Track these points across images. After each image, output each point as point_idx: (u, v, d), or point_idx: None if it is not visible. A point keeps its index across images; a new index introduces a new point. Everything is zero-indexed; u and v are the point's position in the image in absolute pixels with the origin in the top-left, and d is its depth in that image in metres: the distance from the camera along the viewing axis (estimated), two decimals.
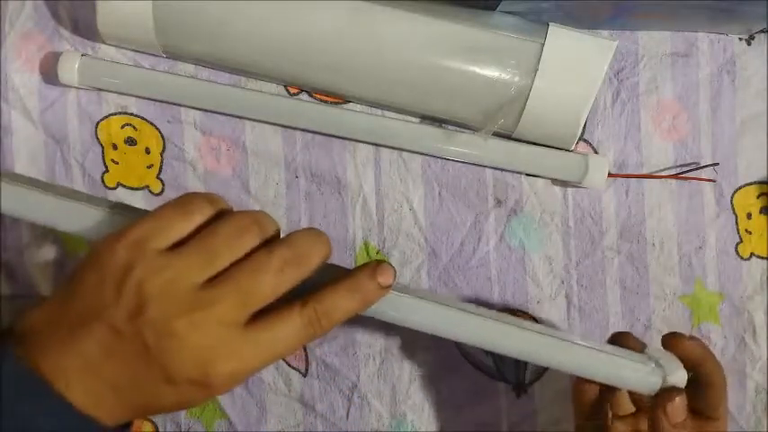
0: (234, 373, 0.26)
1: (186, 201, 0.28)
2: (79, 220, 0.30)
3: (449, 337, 0.30)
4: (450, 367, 0.42)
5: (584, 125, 0.40)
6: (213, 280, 0.26)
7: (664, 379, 0.31)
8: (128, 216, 0.30)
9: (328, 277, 0.29)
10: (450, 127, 0.40)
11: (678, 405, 0.30)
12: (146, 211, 0.31)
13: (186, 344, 0.25)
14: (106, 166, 0.41)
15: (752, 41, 0.41)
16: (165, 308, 0.25)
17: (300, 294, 0.28)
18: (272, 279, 0.27)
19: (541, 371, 0.42)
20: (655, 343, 0.42)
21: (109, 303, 0.25)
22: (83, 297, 0.26)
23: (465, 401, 0.42)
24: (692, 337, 0.33)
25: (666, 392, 0.31)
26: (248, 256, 0.27)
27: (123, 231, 0.27)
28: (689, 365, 0.32)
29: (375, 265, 0.29)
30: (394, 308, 0.30)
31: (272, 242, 0.28)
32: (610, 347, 0.32)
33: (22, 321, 0.27)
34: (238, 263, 0.27)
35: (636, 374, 0.31)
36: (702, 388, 0.32)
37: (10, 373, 0.25)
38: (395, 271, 0.29)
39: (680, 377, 0.31)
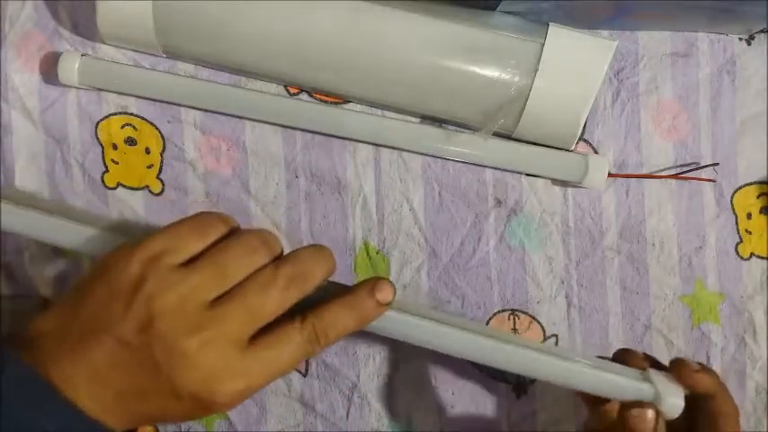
0: (239, 391, 0.27)
1: (202, 220, 0.29)
2: (77, 238, 0.31)
3: (447, 353, 0.31)
4: (451, 367, 0.42)
5: (585, 125, 0.40)
6: (221, 297, 0.27)
7: (656, 401, 0.30)
8: (124, 233, 0.31)
9: (329, 293, 0.29)
10: (450, 127, 0.40)
11: (646, 416, 0.30)
12: (142, 228, 0.31)
13: (194, 362, 0.26)
14: (106, 166, 0.41)
15: (752, 41, 0.41)
16: (174, 324, 0.26)
17: (300, 309, 0.28)
18: (278, 296, 0.27)
19: None
20: (655, 342, 0.42)
21: (119, 315, 0.26)
22: (93, 306, 0.27)
23: (465, 401, 0.42)
24: (701, 369, 0.32)
25: (640, 402, 0.30)
26: (255, 272, 0.28)
27: (138, 245, 0.27)
28: (699, 396, 0.31)
29: (374, 282, 0.29)
30: (393, 325, 0.30)
31: (277, 260, 0.28)
32: (605, 363, 0.32)
33: (30, 326, 0.27)
34: (246, 280, 0.27)
35: (626, 394, 0.31)
36: (712, 420, 0.31)
37: (18, 377, 0.25)
38: (394, 288, 0.29)
39: (673, 404, 0.30)
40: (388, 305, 0.29)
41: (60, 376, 0.25)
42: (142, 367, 0.26)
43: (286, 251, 0.41)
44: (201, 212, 0.30)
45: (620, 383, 0.31)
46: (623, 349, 0.35)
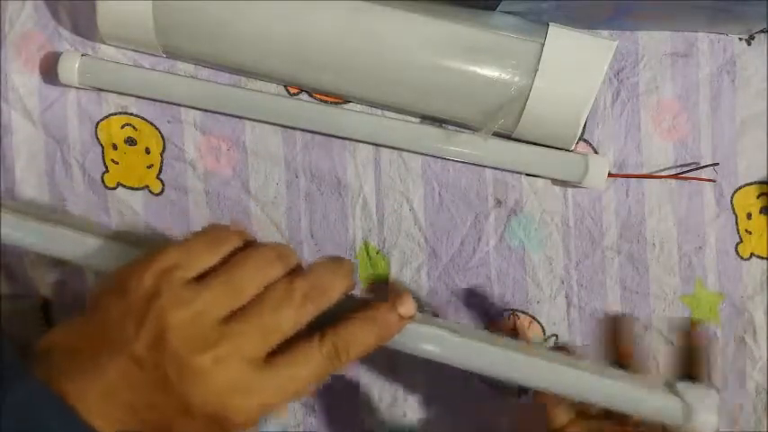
0: (253, 410, 0.26)
1: (215, 233, 0.28)
2: (80, 249, 0.31)
3: (473, 370, 0.30)
4: (451, 369, 0.42)
5: (585, 125, 0.40)
6: (235, 313, 0.26)
7: (686, 419, 0.28)
8: (128, 243, 0.30)
9: (348, 308, 0.28)
10: (450, 127, 0.40)
11: None
12: (147, 236, 0.31)
13: (208, 380, 0.25)
14: (106, 166, 0.41)
15: (752, 41, 0.41)
16: (187, 340, 0.25)
17: (319, 326, 0.27)
18: (294, 313, 0.27)
19: None
20: (655, 342, 0.42)
21: (131, 332, 0.25)
22: (105, 322, 0.26)
23: (465, 402, 0.42)
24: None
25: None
26: (270, 287, 0.27)
27: (150, 259, 0.27)
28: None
29: (396, 295, 0.29)
30: (412, 339, 0.29)
31: (293, 274, 0.28)
32: (624, 375, 0.30)
33: (43, 339, 0.27)
34: (260, 296, 0.27)
35: (658, 412, 0.29)
36: None
37: (31, 391, 0.25)
38: (415, 301, 0.29)
39: (708, 421, 0.28)
40: (410, 318, 0.28)
41: (73, 393, 0.25)
42: (155, 385, 0.25)
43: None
44: (215, 225, 0.29)
45: (642, 397, 0.29)
46: (617, 318, 0.34)
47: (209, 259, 0.27)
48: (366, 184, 0.41)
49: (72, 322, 0.27)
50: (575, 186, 0.41)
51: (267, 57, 0.38)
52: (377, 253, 0.41)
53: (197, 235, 0.28)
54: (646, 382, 0.30)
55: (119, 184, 0.41)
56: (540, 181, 0.41)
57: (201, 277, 0.27)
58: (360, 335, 0.27)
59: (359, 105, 0.40)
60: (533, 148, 0.40)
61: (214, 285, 0.26)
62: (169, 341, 0.25)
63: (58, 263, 0.42)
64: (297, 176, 0.41)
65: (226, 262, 0.27)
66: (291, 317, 0.27)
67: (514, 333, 0.42)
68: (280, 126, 0.41)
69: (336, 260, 0.29)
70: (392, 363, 0.42)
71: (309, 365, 0.27)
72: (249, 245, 0.29)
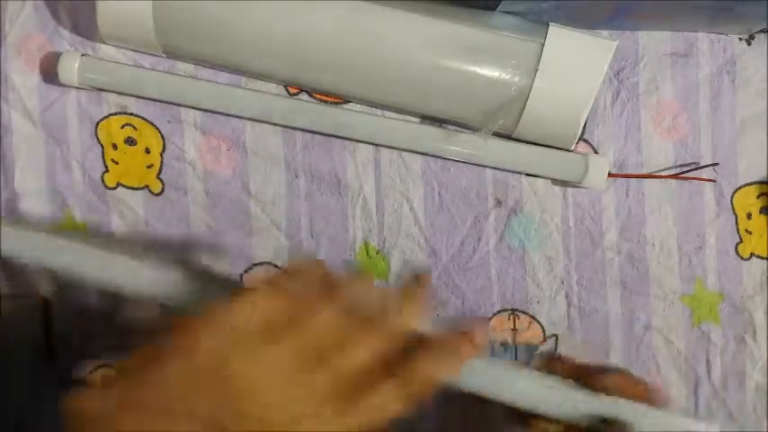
0: None
1: (277, 282, 0.28)
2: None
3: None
4: None
5: (585, 125, 0.40)
6: (306, 361, 0.26)
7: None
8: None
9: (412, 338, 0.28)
10: (450, 127, 0.40)
11: None
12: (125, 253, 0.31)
13: None
14: (106, 166, 0.41)
15: (752, 41, 0.41)
16: (269, 403, 0.25)
17: (389, 362, 0.27)
18: (363, 352, 0.27)
19: None
20: (655, 342, 0.42)
21: (205, 396, 0.25)
22: (172, 382, 0.25)
23: (466, 402, 0.42)
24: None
25: None
26: (334, 331, 0.27)
27: (215, 315, 0.26)
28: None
29: (467, 330, 0.29)
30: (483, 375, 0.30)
31: (348, 311, 0.28)
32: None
33: (103, 391, 0.26)
34: (327, 341, 0.27)
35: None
36: None
37: None
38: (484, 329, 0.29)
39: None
40: (480, 347, 0.29)
41: None
42: None
43: (284, 251, 0.41)
44: (277, 274, 0.29)
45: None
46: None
47: (274, 311, 0.27)
48: (366, 184, 0.41)
49: (121, 378, 0.26)
50: (575, 186, 0.41)
51: (267, 57, 0.38)
52: (377, 253, 0.41)
53: (260, 287, 0.28)
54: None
55: (119, 184, 0.41)
56: (540, 181, 0.41)
57: (268, 329, 0.26)
58: (432, 369, 0.27)
59: (359, 105, 0.40)
60: (533, 148, 0.40)
61: (283, 339, 0.26)
62: (247, 405, 0.25)
63: None
64: (297, 176, 0.41)
65: (294, 307, 0.27)
66: (360, 357, 0.27)
67: (514, 333, 0.42)
68: (280, 126, 0.41)
69: (388, 290, 0.30)
70: None
71: (385, 406, 0.26)
72: (299, 276, 0.28)
